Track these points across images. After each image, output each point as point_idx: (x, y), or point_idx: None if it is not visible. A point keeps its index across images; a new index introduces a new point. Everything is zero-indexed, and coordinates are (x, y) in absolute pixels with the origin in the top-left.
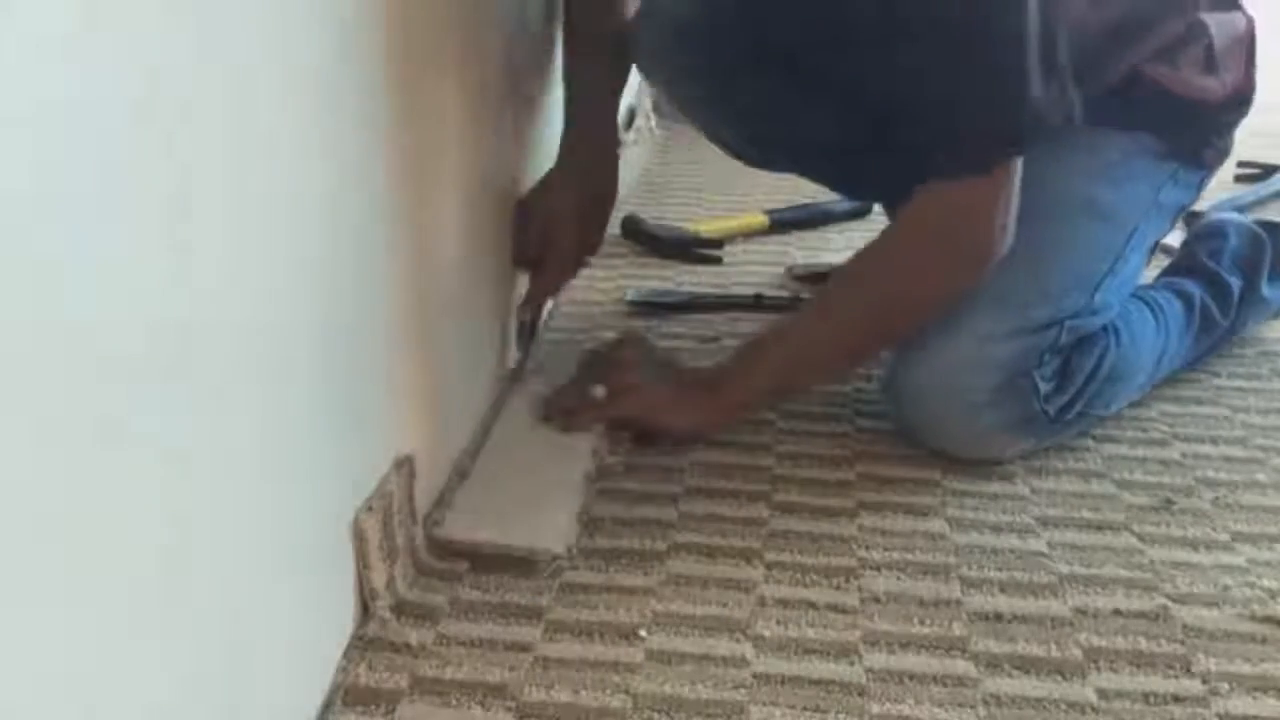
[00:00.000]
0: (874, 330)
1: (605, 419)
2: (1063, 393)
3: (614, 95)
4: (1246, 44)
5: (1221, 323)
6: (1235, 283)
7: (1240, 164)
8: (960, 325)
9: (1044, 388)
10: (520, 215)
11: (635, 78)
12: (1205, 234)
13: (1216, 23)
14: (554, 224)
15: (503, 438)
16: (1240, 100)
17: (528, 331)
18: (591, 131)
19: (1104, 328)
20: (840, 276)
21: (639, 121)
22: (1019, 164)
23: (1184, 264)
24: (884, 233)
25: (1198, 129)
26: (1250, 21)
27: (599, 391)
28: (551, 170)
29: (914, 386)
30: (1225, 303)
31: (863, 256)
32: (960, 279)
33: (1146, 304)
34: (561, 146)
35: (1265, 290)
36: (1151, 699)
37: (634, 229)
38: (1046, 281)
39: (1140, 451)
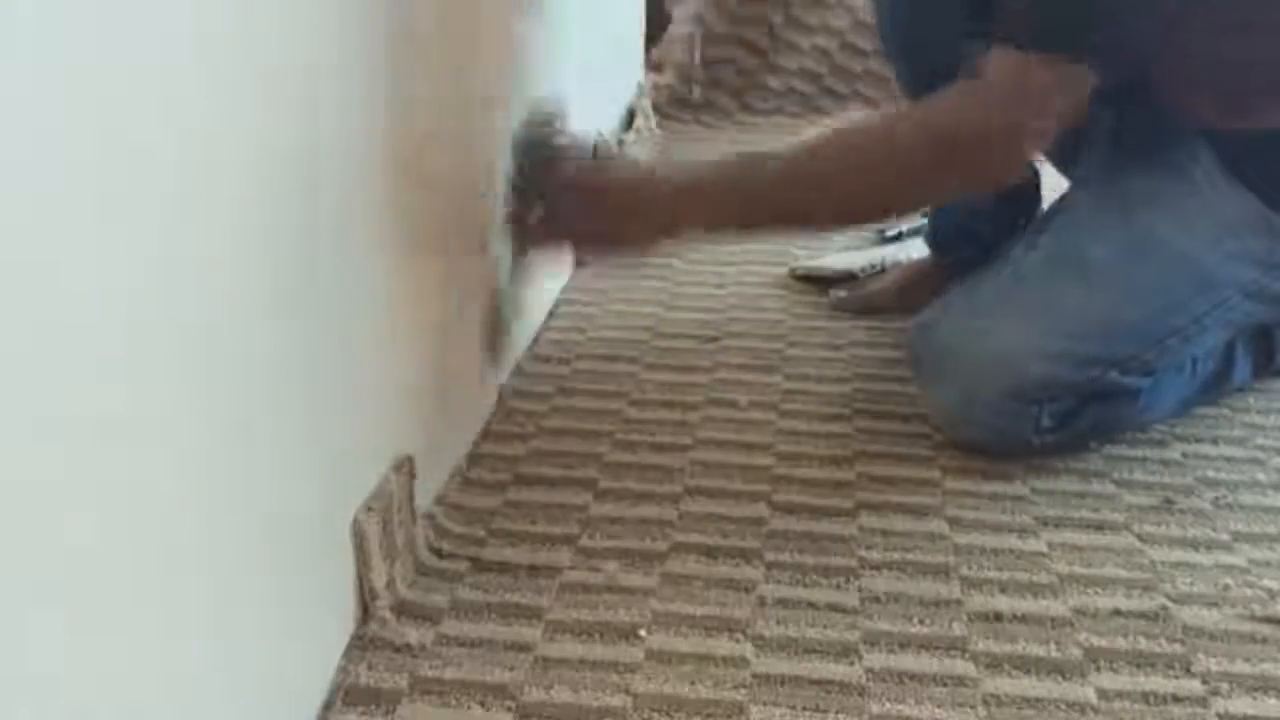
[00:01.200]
0: (860, 193)
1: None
2: (1058, 433)
3: None
4: None
5: (1238, 381)
6: None
7: None
8: (1012, 316)
9: (1046, 423)
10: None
11: (636, 79)
12: None
13: None
14: None
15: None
16: None
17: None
18: None
19: (1135, 389)
20: (853, 133)
21: (639, 121)
22: (1075, 75)
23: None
24: (928, 102)
25: None
26: None
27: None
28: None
29: (936, 351)
30: (1261, 364)
31: (889, 123)
32: (977, 172)
33: (1190, 361)
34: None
35: None
36: (1151, 699)
37: None
38: (1110, 318)
39: (1140, 451)
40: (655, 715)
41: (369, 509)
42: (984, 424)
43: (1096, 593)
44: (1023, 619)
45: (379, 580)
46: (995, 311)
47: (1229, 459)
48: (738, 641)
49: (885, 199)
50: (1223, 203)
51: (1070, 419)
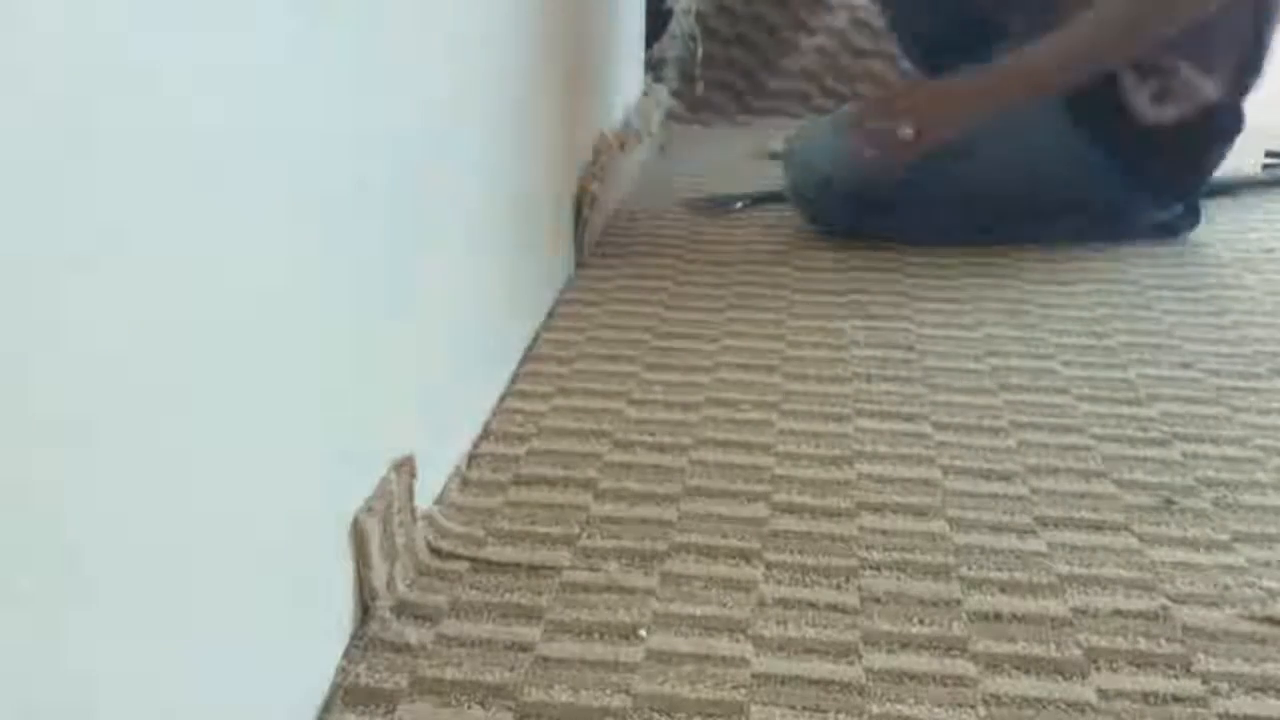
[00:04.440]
0: (1118, 43)
1: (919, 153)
2: (846, 219)
3: None
4: (1199, 103)
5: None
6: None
7: (1269, 154)
8: (831, 129)
9: (837, 207)
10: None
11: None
12: None
13: (1187, 74)
14: None
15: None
16: (1166, 136)
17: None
18: None
19: (900, 201)
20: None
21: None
22: None
23: None
24: None
25: (1127, 140)
26: (1220, 95)
27: (907, 133)
28: None
29: (795, 147)
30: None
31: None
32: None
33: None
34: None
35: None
36: (1151, 699)
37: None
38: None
39: (1140, 451)
40: (655, 715)
41: (369, 509)
42: (807, 201)
43: (1096, 593)
44: (1023, 619)
45: (379, 580)
46: (823, 125)
47: (1229, 459)
48: (738, 641)
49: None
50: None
51: (855, 211)
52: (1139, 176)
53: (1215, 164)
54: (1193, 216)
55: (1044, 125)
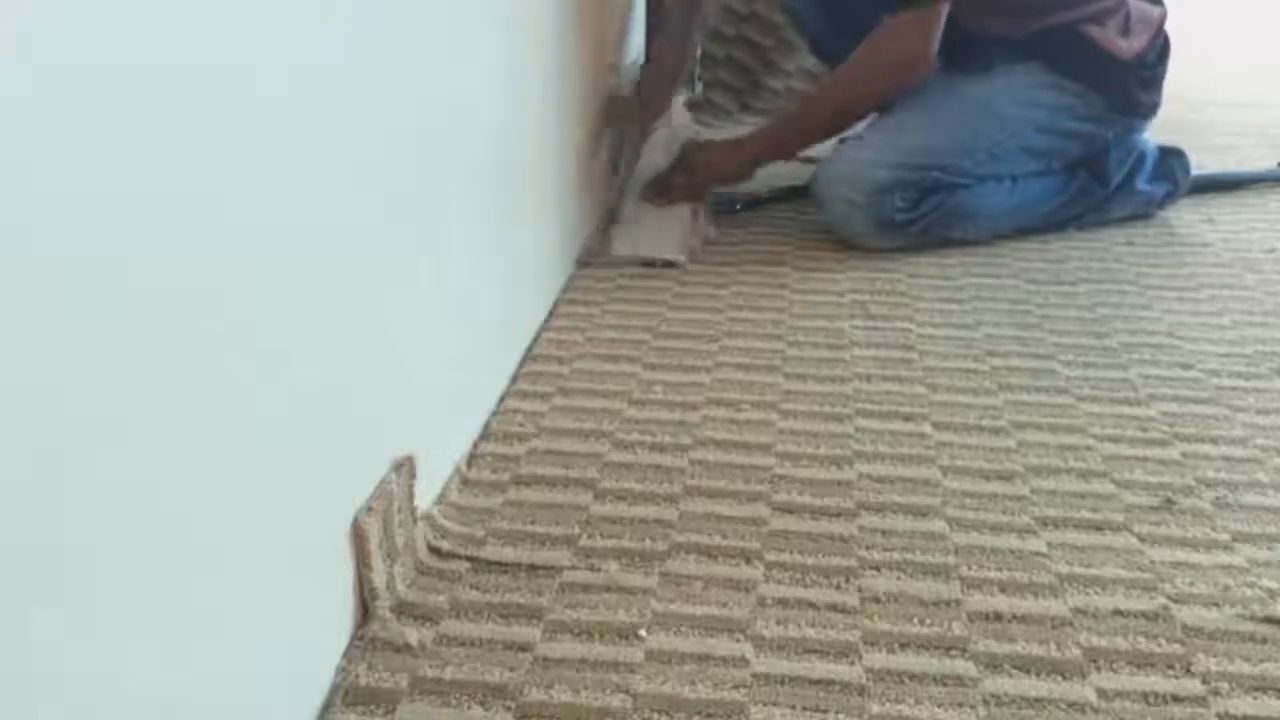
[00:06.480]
0: (838, 115)
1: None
2: (911, 213)
3: (688, 41)
4: (1155, 25)
5: (1098, 192)
6: (1117, 177)
7: None
8: (862, 149)
9: (899, 205)
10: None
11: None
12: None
13: (1134, 4)
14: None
15: (629, 215)
16: (1140, 63)
17: (628, 158)
18: (662, 63)
19: (962, 185)
20: (823, 83)
21: None
22: (946, 8)
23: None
24: (857, 50)
25: (1113, 78)
26: (1164, 12)
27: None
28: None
29: (823, 182)
30: (1104, 182)
31: (840, 70)
32: (899, 78)
33: (1008, 179)
34: (642, 71)
35: (1140, 184)
36: (1151, 699)
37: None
38: (928, 141)
39: (1140, 451)
40: (655, 715)
41: (369, 509)
42: (861, 219)
43: (1096, 593)
44: (1023, 619)
45: (379, 580)
46: (852, 150)
47: (1229, 459)
48: (738, 641)
49: (851, 114)
50: (1016, 73)
51: (917, 205)
52: (1127, 108)
53: (1165, 76)
54: (1174, 188)
55: (1039, 95)
